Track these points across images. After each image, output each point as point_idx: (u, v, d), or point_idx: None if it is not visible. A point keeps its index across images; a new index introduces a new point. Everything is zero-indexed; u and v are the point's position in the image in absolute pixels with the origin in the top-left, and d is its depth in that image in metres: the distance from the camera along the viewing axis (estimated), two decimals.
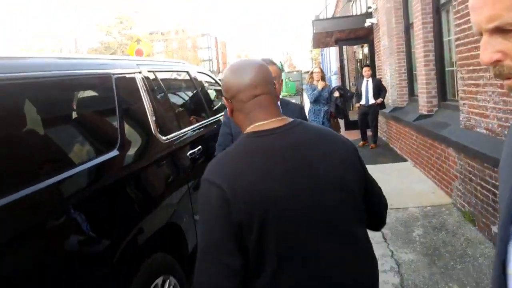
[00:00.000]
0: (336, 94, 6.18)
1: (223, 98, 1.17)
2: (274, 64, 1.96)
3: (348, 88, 10.33)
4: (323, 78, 5.94)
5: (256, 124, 1.04)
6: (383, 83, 7.53)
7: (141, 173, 2.15)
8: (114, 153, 1.99)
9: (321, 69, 6.14)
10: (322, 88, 5.81)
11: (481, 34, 0.56)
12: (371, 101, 7.35)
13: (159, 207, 2.20)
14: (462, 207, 3.75)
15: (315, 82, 5.87)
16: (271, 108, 1.07)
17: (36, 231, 1.42)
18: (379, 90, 7.39)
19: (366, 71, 7.65)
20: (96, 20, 29.67)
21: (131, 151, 2.14)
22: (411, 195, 4.38)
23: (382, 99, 7.39)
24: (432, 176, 4.80)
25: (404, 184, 4.76)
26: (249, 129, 1.05)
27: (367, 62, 9.96)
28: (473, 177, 3.44)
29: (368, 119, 7.50)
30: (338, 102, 6.18)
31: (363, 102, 7.51)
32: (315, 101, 5.80)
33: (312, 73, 6.04)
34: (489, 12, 0.52)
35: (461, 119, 3.90)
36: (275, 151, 0.99)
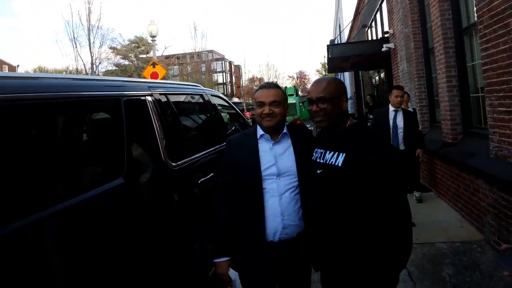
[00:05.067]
0: None
1: (341, 97, 1.66)
2: (278, 88, 1.97)
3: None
4: None
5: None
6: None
7: (148, 200, 1.98)
8: (120, 181, 1.83)
9: None
10: None
11: None
12: (402, 146, 4.68)
13: (164, 240, 2.01)
14: (496, 245, 3.42)
15: None
16: None
17: None
18: (414, 128, 4.79)
19: (395, 95, 4.72)
20: (111, 42, 30.32)
21: (138, 179, 1.97)
22: (438, 229, 4.06)
23: (420, 149, 4.83)
24: (459, 208, 4.48)
25: (428, 216, 4.43)
26: (350, 121, 1.69)
27: (384, 86, 9.64)
28: (509, 212, 3.14)
29: None
30: None
31: None
32: None
33: None
34: None
35: (491, 148, 3.63)
36: None
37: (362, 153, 1.50)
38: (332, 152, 1.62)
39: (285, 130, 1.92)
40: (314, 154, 1.75)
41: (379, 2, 10.08)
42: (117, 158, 1.90)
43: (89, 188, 1.65)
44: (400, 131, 4.61)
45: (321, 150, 1.71)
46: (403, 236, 1.46)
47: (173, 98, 2.65)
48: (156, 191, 2.06)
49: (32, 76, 1.94)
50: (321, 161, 1.67)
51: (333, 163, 1.59)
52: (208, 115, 3.34)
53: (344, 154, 1.56)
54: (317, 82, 1.72)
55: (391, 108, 4.74)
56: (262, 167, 1.83)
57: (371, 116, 8.77)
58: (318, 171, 1.66)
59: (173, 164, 2.23)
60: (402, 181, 1.53)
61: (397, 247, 1.46)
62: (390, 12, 8.18)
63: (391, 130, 4.60)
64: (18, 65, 36.64)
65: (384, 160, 1.48)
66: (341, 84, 1.72)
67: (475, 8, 3.77)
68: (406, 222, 1.49)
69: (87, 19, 19.22)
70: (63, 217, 1.44)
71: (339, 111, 1.65)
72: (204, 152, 2.74)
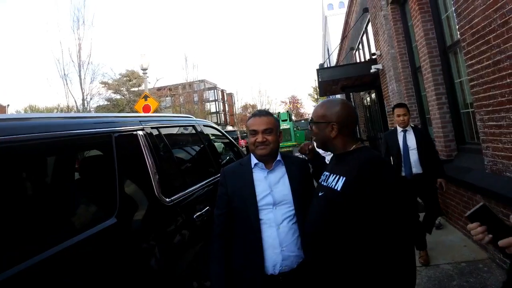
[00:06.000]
0: None
1: (331, 124, 1.62)
2: (270, 115, 1.98)
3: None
4: None
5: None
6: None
7: (142, 240, 1.92)
8: (112, 221, 1.78)
9: None
10: None
11: None
12: (417, 169, 4.00)
13: (160, 279, 1.94)
14: (503, 263, 3.35)
15: None
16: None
17: None
18: (428, 148, 4.07)
19: (397, 114, 4.13)
20: (102, 77, 30.49)
21: (131, 217, 1.92)
22: (441, 250, 3.98)
23: (442, 178, 4.05)
24: (460, 226, 4.42)
25: (431, 237, 4.35)
26: (356, 145, 1.64)
27: (376, 107, 9.70)
28: None
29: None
30: None
31: (402, 172, 4.06)
32: None
33: None
34: None
35: (486, 163, 3.63)
36: None
37: (361, 180, 1.48)
38: (334, 175, 1.61)
39: (279, 158, 1.90)
40: (322, 177, 1.74)
41: (365, 25, 10.35)
42: (109, 197, 1.86)
43: (80, 231, 1.60)
44: (413, 152, 4.03)
45: (327, 173, 1.70)
46: (405, 265, 1.41)
47: (165, 131, 2.64)
48: (150, 229, 2.00)
49: (21, 117, 1.92)
50: (325, 184, 1.66)
51: (333, 186, 1.57)
52: (201, 146, 3.32)
53: (344, 178, 1.54)
54: (319, 105, 1.77)
55: (399, 129, 4.14)
56: (258, 197, 1.79)
57: None
58: (320, 194, 1.64)
59: (167, 199, 2.19)
60: (405, 209, 1.48)
61: (400, 275, 1.41)
62: (375, 34, 8.39)
63: (401, 152, 4.06)
64: (8, 105, 36.67)
65: (385, 190, 1.44)
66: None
67: (457, 26, 3.86)
68: (408, 249, 1.44)
69: (77, 55, 19.43)
70: (51, 265, 1.38)
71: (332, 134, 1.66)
72: (199, 185, 2.70)
